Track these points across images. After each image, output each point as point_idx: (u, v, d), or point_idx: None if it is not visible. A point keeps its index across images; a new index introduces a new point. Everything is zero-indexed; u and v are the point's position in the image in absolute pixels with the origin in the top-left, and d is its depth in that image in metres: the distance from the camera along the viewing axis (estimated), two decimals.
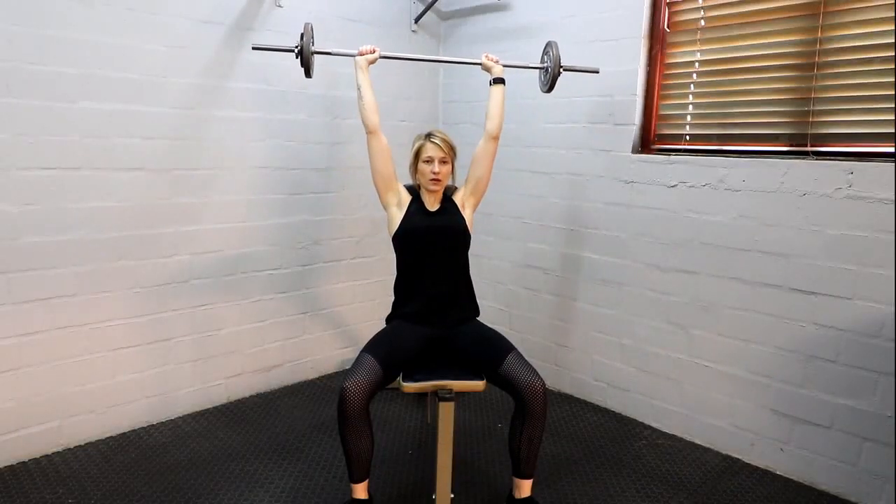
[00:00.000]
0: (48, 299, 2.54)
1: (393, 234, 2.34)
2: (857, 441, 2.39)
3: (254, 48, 2.41)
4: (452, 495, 2.16)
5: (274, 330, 3.32)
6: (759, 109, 2.63)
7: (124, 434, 2.81)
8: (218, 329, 3.10)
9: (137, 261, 2.77)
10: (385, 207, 2.38)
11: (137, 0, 2.60)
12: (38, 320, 2.53)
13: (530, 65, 2.67)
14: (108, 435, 2.78)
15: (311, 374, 3.54)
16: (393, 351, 2.16)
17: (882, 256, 2.27)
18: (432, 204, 2.36)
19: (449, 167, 2.32)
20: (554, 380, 3.42)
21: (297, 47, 2.33)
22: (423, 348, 2.26)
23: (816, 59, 2.45)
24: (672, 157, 2.83)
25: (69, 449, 2.67)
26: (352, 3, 3.35)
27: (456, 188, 2.45)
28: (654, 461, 2.70)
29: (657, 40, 2.90)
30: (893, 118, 2.27)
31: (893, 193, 2.23)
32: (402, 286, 2.36)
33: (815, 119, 2.47)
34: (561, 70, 2.53)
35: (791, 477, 2.57)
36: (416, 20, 3.63)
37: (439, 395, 2.09)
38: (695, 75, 2.81)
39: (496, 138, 2.36)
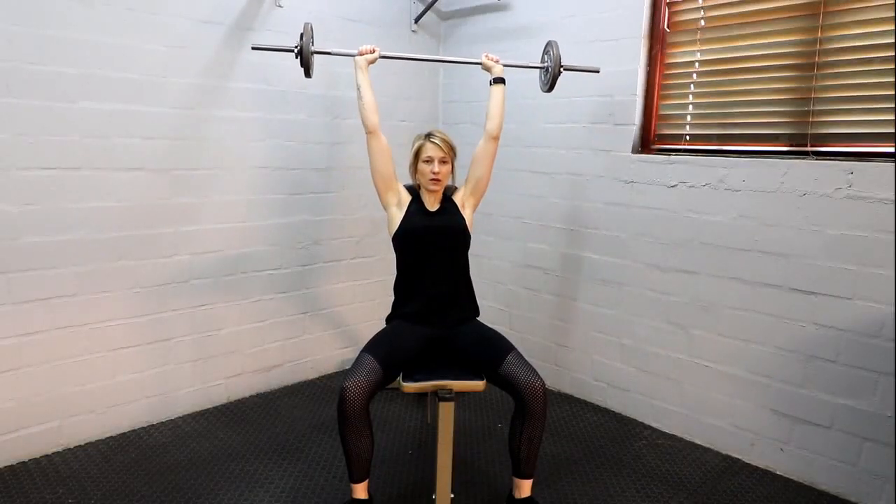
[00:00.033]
0: (48, 299, 2.54)
1: (393, 234, 2.34)
2: (857, 441, 2.39)
3: (254, 48, 2.41)
4: (452, 495, 2.16)
5: (274, 330, 3.32)
6: (759, 109, 2.63)
7: (124, 434, 2.81)
8: (218, 329, 3.10)
9: (137, 261, 2.77)
10: (385, 207, 2.37)
11: (137, 0, 2.60)
12: (38, 320, 2.53)
13: (530, 64, 2.66)
14: (108, 435, 2.78)
15: (311, 374, 3.54)
16: (393, 351, 2.16)
17: (882, 256, 2.27)
18: (432, 204, 2.35)
19: (449, 167, 2.32)
20: (554, 380, 3.42)
21: (296, 47, 2.33)
22: (423, 348, 2.26)
23: (816, 59, 2.45)
24: (672, 157, 2.83)
25: (69, 449, 2.67)
26: (352, 3, 3.35)
27: (456, 188, 2.45)
28: (654, 461, 2.70)
29: (657, 40, 2.90)
30: (893, 118, 2.27)
31: (893, 193, 2.23)
32: (402, 286, 2.36)
33: (815, 119, 2.47)
34: (561, 70, 2.53)
35: (791, 477, 2.57)
36: (416, 20, 3.63)
37: (439, 395, 2.09)
38: (695, 75, 2.81)
39: (496, 138, 2.36)
